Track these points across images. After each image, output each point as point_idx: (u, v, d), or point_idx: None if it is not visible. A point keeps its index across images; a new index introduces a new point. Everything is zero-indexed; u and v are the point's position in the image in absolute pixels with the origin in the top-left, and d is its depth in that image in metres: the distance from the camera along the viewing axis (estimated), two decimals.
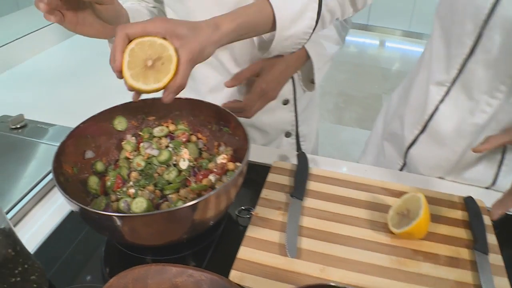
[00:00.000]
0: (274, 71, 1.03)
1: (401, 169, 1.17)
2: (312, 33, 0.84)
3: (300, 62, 1.09)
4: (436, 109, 1.00)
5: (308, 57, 1.08)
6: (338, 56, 1.22)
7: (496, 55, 0.85)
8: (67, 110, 1.36)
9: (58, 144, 1.09)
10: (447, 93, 0.97)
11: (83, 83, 1.49)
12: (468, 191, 0.98)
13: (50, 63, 1.72)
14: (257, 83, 1.03)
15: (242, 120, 0.87)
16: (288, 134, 1.29)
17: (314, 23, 0.82)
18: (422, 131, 1.06)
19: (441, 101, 0.99)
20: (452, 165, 1.05)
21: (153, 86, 0.66)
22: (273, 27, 0.80)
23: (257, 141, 1.26)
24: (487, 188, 1.05)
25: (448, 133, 1.00)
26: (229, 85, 1.04)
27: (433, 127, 1.03)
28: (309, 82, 1.19)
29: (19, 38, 1.70)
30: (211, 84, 1.14)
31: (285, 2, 0.78)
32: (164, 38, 0.67)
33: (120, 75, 0.67)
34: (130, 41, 0.67)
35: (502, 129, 0.95)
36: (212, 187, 0.84)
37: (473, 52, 0.88)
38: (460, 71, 0.92)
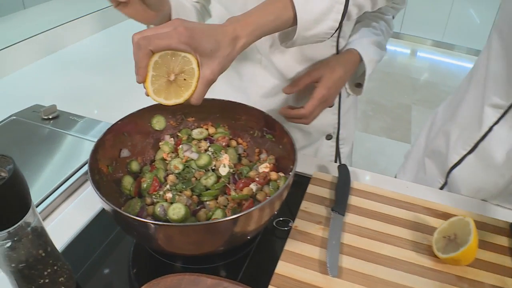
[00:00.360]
0: (334, 77, 1.00)
1: (441, 188, 1.12)
2: (334, 33, 0.79)
3: (355, 67, 1.07)
4: (490, 130, 0.95)
5: (360, 60, 1.06)
6: None
7: None
8: (101, 102, 1.35)
9: (90, 138, 1.08)
10: (503, 115, 0.92)
11: (118, 75, 1.47)
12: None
13: (86, 53, 1.71)
14: (318, 89, 0.99)
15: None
16: (329, 137, 1.26)
17: (338, 25, 0.77)
18: (470, 152, 1.01)
19: (496, 122, 0.94)
20: (500, 190, 0.99)
21: (174, 101, 0.68)
22: (294, 24, 0.74)
23: (298, 141, 1.23)
24: None
25: (500, 157, 0.95)
26: (288, 91, 1.01)
27: (485, 149, 0.98)
28: (354, 86, 1.16)
29: (55, 27, 1.69)
30: (265, 88, 1.12)
31: (308, 2, 0.73)
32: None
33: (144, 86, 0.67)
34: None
35: None
36: (252, 196, 0.80)
37: None
38: None
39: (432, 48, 5.27)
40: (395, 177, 1.30)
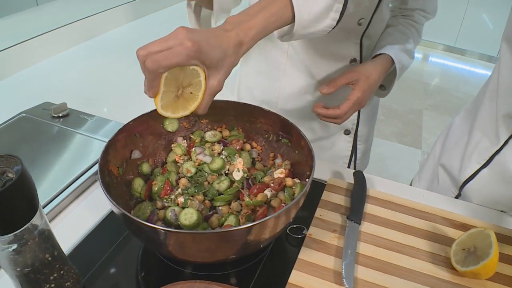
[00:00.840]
0: (370, 81, 1.02)
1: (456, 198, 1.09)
2: (332, 30, 0.77)
3: (387, 72, 1.09)
4: (505, 143, 0.92)
5: (392, 65, 1.08)
6: None
7: None
8: (111, 101, 1.33)
9: (99, 137, 1.06)
10: None
11: (128, 73, 1.46)
12: None
13: (97, 51, 1.70)
14: (354, 92, 1.01)
15: None
16: (347, 132, 1.26)
17: (335, 23, 0.75)
18: (484, 166, 0.98)
19: (511, 137, 0.91)
20: None
21: (181, 114, 0.67)
22: (293, 21, 0.73)
23: (316, 132, 1.25)
24: None
25: None
26: (325, 91, 1.01)
27: (500, 162, 0.95)
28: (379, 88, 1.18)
29: (66, 25, 1.68)
30: (297, 87, 1.16)
31: (308, 2, 0.71)
32: None
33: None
34: None
35: None
36: (267, 203, 0.77)
37: None
38: None
39: (444, 53, 5.23)
40: (411, 184, 1.27)
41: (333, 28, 0.77)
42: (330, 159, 1.31)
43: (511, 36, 0.87)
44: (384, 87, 1.16)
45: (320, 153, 1.29)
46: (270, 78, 1.19)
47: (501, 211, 0.99)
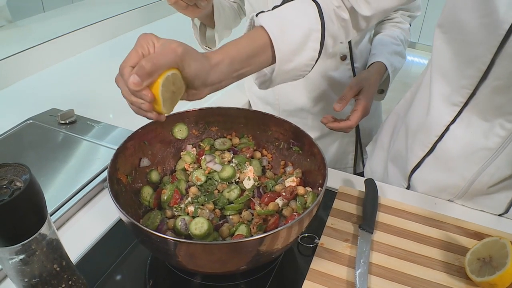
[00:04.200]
0: (372, 89, 1.09)
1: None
2: (314, 64, 0.77)
3: (382, 77, 1.17)
4: (447, 130, 0.91)
5: (385, 70, 1.17)
6: None
7: (508, 83, 0.77)
8: (117, 107, 1.32)
9: (106, 144, 1.05)
10: (459, 113, 0.88)
11: None
12: (479, 218, 0.94)
13: (102, 57, 1.69)
14: (361, 101, 1.07)
15: None
16: None
17: (317, 54, 0.76)
18: (428, 153, 0.97)
19: (452, 122, 0.90)
20: (462, 191, 0.96)
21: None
22: (273, 59, 0.73)
23: (318, 131, 1.30)
24: (499, 215, 0.97)
25: (457, 157, 0.91)
26: (339, 108, 1.04)
27: (442, 149, 0.94)
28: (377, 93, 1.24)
29: (73, 31, 1.68)
30: (293, 87, 1.22)
31: (284, 33, 0.72)
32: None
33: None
34: None
35: None
36: (278, 212, 0.76)
37: (486, 77, 0.80)
38: (473, 92, 0.83)
39: None
40: (363, 169, 1.32)
41: (315, 62, 0.77)
42: (336, 155, 1.35)
43: (443, 22, 0.87)
44: (381, 90, 1.23)
45: (324, 151, 1.31)
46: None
47: (448, 200, 1.00)
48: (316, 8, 0.75)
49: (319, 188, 0.73)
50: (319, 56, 0.76)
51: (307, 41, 0.74)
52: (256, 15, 0.75)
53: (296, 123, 0.84)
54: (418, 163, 1.00)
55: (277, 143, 0.89)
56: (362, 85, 1.08)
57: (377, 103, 1.39)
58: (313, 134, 1.21)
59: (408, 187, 1.07)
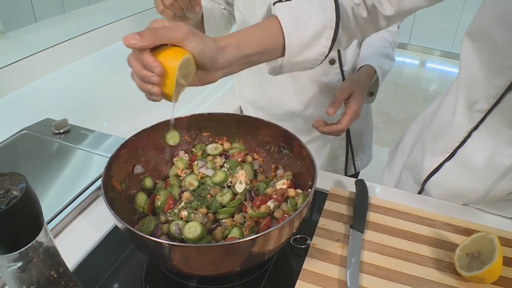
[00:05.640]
0: (362, 92, 1.11)
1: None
2: (324, 59, 0.79)
3: (372, 80, 1.19)
4: (469, 136, 0.93)
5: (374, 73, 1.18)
6: None
7: None
8: (110, 115, 1.34)
9: (100, 152, 1.07)
10: (482, 119, 0.89)
11: (126, 88, 1.46)
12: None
13: (95, 66, 1.71)
14: (352, 105, 1.09)
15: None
16: None
17: (327, 51, 0.77)
18: (448, 158, 0.98)
19: (475, 128, 0.91)
20: (481, 196, 0.97)
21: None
22: (283, 50, 0.75)
23: (309, 134, 1.31)
24: None
25: (479, 163, 0.92)
26: (332, 112, 1.07)
27: (463, 155, 0.95)
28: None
29: (65, 41, 1.69)
30: (283, 91, 1.26)
31: (298, 26, 0.73)
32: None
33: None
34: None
35: None
36: (270, 214, 0.78)
37: None
38: (500, 99, 0.84)
39: (441, 59, 5.24)
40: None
41: (325, 57, 0.78)
42: (327, 158, 1.37)
43: (473, 30, 0.88)
44: (371, 93, 1.24)
45: (316, 154, 1.32)
46: (260, 88, 1.28)
47: (463, 204, 1.01)
48: (334, 4, 0.75)
49: (309, 190, 0.75)
50: (329, 52, 0.77)
51: (319, 37, 0.74)
52: (274, 4, 0.76)
53: (287, 127, 0.86)
54: (437, 167, 1.01)
55: (267, 147, 0.91)
56: (353, 88, 1.10)
57: (367, 105, 1.41)
58: (304, 138, 1.23)
59: (420, 192, 1.08)
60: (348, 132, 1.34)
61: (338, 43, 0.79)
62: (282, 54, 0.75)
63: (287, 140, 0.86)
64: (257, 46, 0.72)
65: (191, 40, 0.63)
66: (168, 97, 0.65)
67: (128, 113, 1.32)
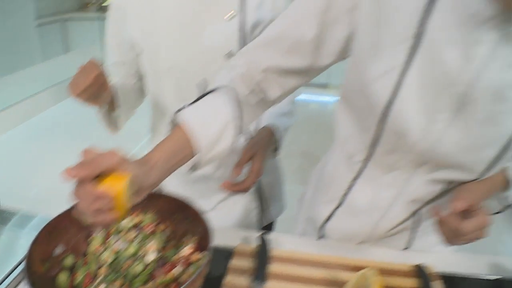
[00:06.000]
0: (263, 152, 1.21)
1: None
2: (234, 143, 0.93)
3: (273, 139, 1.28)
4: (353, 184, 1.06)
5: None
6: (300, 116, 1.44)
7: (394, 147, 0.92)
8: (37, 193, 1.36)
9: (28, 231, 1.11)
10: (362, 169, 1.02)
11: (48, 163, 1.51)
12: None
13: (19, 141, 1.74)
14: (255, 165, 1.18)
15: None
16: None
17: (234, 139, 0.92)
18: (338, 206, 1.12)
19: (357, 177, 1.04)
20: (368, 235, 1.10)
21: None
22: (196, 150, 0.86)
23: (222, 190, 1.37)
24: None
25: (364, 207, 1.05)
26: (237, 174, 1.17)
27: (349, 201, 1.09)
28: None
29: None
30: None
31: (202, 127, 0.85)
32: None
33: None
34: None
35: (412, 200, 1.00)
36: (177, 279, 0.87)
37: (377, 143, 0.94)
38: (372, 151, 0.97)
39: None
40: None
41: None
42: (241, 213, 1.44)
43: (343, 95, 1.03)
44: (275, 148, 1.34)
45: (230, 211, 1.43)
46: None
47: (360, 243, 1.14)
48: (232, 97, 0.90)
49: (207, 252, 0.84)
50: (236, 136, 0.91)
51: (224, 132, 0.88)
52: (177, 112, 0.88)
53: (202, 189, 0.96)
54: (330, 215, 1.13)
55: (174, 215, 0.99)
56: (254, 150, 1.20)
57: (274, 159, 1.50)
58: (217, 197, 1.34)
59: (321, 237, 1.20)
60: (258, 186, 1.43)
61: (243, 129, 0.94)
62: (198, 151, 0.87)
63: (183, 208, 0.96)
64: (174, 158, 0.83)
65: (127, 165, 0.70)
66: (118, 220, 0.73)
67: (55, 187, 1.36)
